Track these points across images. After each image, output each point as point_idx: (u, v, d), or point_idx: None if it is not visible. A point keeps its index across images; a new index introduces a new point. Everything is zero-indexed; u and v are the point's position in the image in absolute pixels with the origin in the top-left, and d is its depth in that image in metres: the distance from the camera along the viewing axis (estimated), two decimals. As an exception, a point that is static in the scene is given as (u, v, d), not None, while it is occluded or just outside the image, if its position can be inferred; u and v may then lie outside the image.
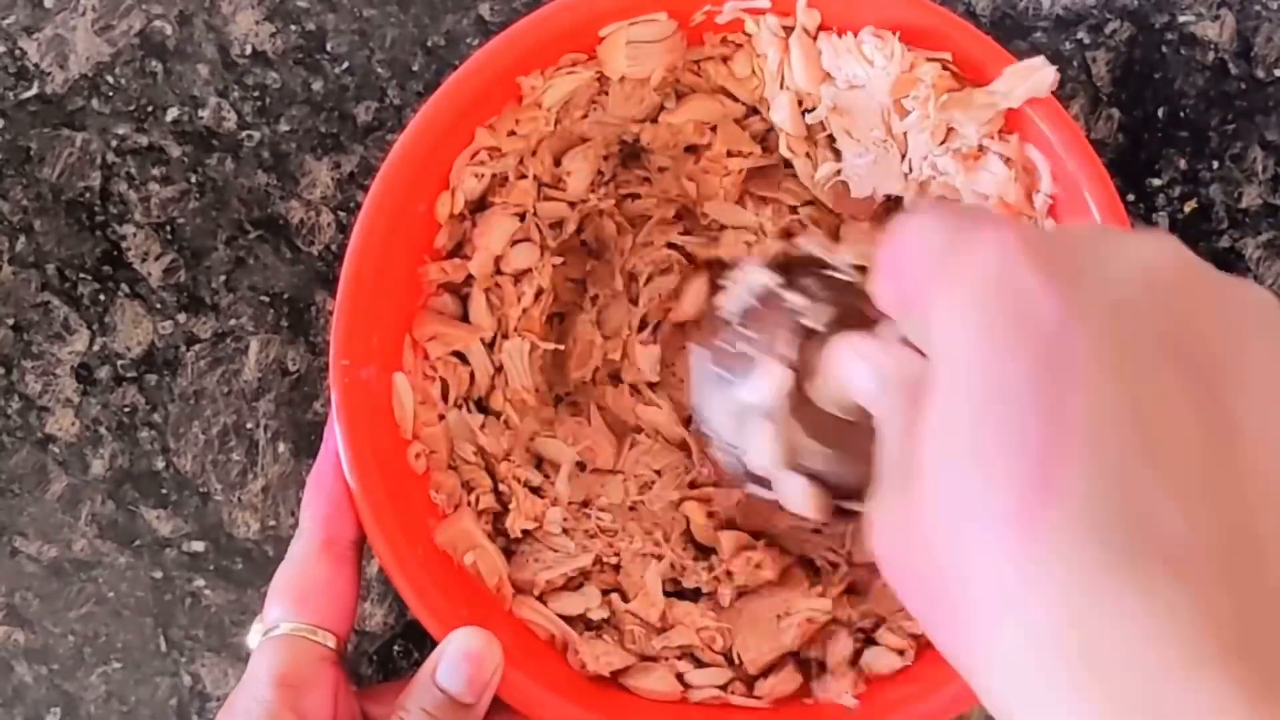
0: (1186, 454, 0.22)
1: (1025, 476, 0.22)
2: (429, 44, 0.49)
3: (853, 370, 0.31)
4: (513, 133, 0.42)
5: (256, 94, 0.49)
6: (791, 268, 0.38)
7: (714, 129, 0.45)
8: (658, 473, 0.46)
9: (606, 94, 0.44)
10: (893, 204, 0.45)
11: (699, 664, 0.43)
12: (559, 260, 0.45)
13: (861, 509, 0.31)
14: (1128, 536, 0.21)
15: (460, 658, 0.38)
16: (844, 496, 0.35)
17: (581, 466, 0.45)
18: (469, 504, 0.43)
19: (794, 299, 0.36)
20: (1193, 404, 0.22)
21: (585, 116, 0.44)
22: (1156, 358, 0.22)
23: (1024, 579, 0.22)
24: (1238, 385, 0.23)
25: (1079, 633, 0.21)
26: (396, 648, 0.47)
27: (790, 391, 0.35)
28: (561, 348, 0.46)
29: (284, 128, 0.48)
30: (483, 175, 0.42)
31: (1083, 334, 0.22)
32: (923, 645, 0.42)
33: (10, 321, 0.48)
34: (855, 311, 0.35)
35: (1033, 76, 0.39)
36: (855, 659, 0.43)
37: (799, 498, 0.35)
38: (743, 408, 0.36)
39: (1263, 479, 0.22)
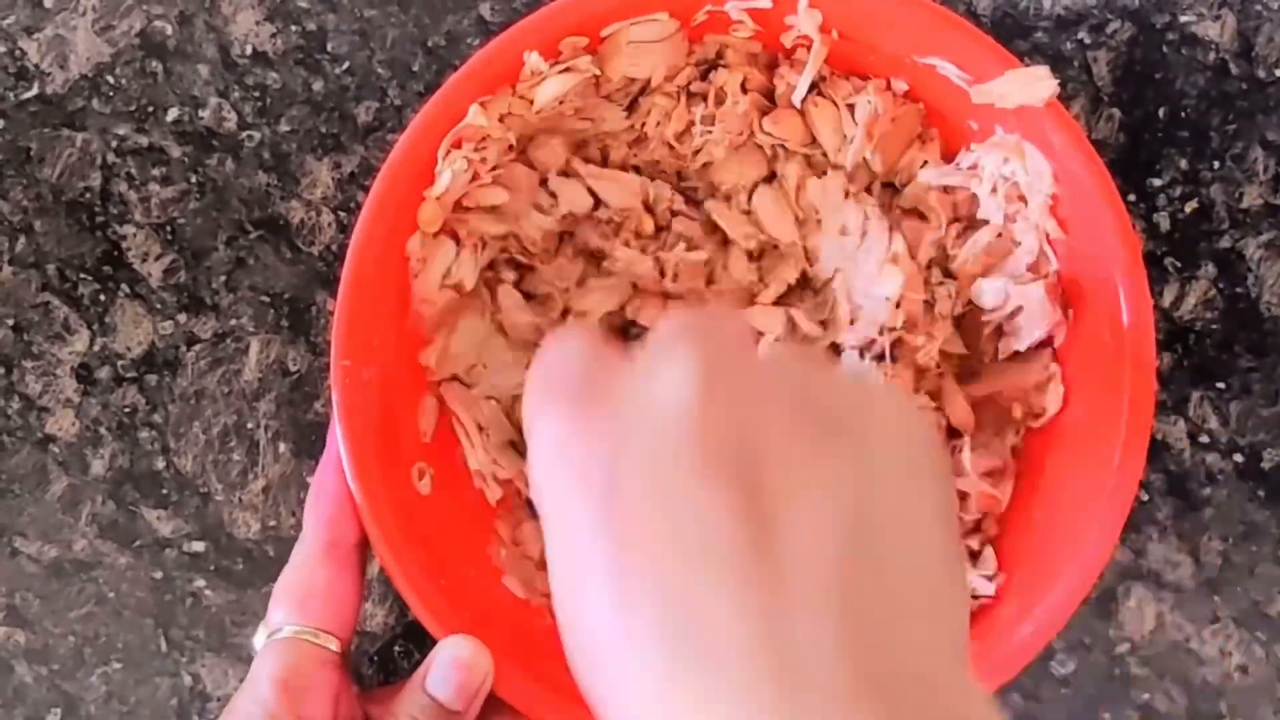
0: (727, 562, 0.25)
1: (608, 594, 0.26)
2: (429, 44, 0.49)
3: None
4: (504, 117, 0.42)
5: (257, 94, 0.49)
6: None
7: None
8: None
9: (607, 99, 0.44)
10: None
11: None
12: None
13: None
14: (687, 641, 0.25)
15: (450, 665, 0.38)
16: None
17: None
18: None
19: None
20: (730, 512, 0.26)
21: (576, 114, 0.44)
22: (691, 476, 0.26)
23: (624, 669, 0.26)
24: (774, 468, 0.26)
25: (666, 706, 0.25)
26: (397, 648, 0.47)
27: None
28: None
29: (284, 128, 0.48)
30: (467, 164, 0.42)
31: (628, 472, 0.27)
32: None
33: (10, 322, 0.48)
34: None
35: (1032, 85, 0.39)
36: None
37: None
38: None
39: (798, 568, 0.25)
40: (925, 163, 0.44)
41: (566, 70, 0.41)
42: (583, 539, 0.27)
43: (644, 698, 0.25)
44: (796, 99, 0.43)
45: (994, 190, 0.42)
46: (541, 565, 0.44)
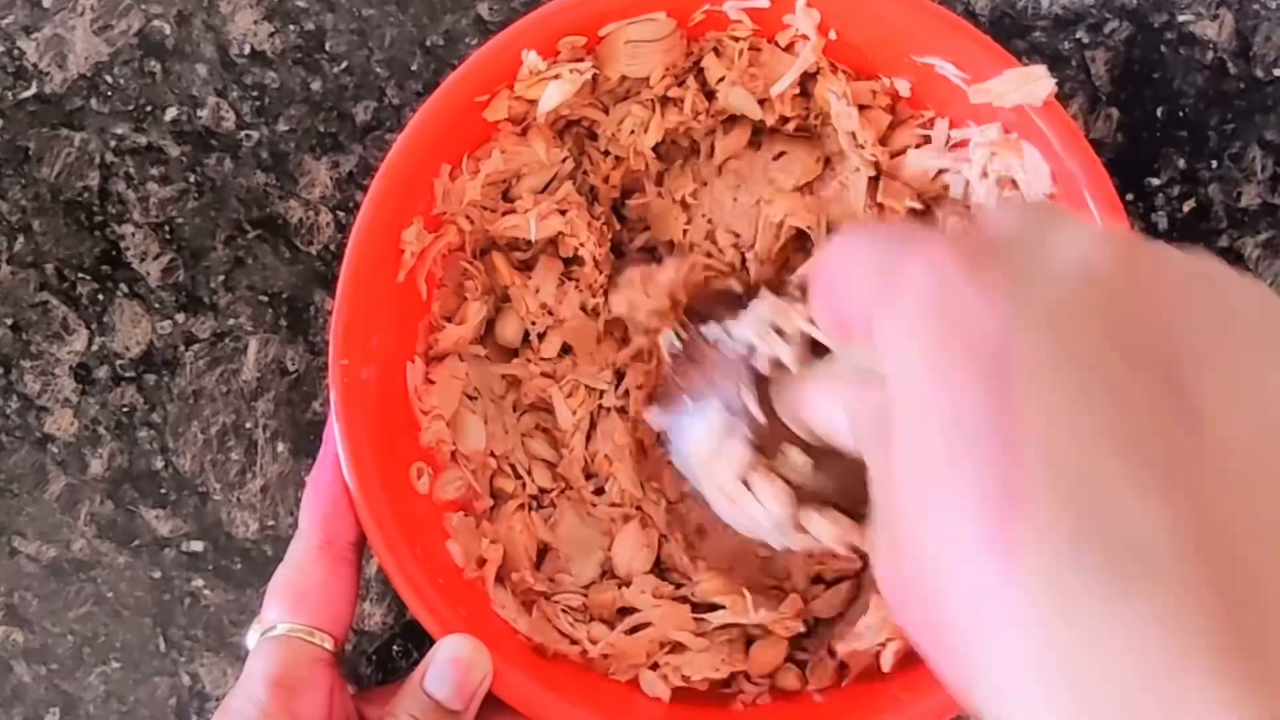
0: (1148, 448, 0.21)
1: (987, 498, 0.21)
2: (428, 44, 0.49)
3: (821, 414, 0.30)
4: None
5: (255, 94, 0.49)
6: (721, 304, 0.38)
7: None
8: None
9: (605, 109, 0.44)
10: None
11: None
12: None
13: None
14: (1096, 542, 0.20)
15: (448, 664, 0.38)
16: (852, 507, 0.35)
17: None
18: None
19: (737, 342, 0.37)
20: (1150, 398, 0.21)
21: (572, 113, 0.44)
22: (1106, 356, 0.22)
23: (1001, 604, 0.21)
24: (1195, 371, 0.22)
25: (1062, 652, 0.21)
26: (395, 647, 0.47)
27: (759, 433, 0.35)
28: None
29: (283, 127, 0.48)
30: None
31: (1027, 344, 0.22)
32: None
33: (9, 321, 0.48)
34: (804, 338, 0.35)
35: (1030, 84, 0.39)
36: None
37: (823, 531, 0.35)
38: (730, 473, 0.36)
39: (1230, 466, 0.21)
40: (915, 146, 0.44)
41: (573, 71, 0.41)
42: (961, 422, 0.22)
43: (1045, 606, 0.21)
44: (775, 91, 0.43)
45: (984, 175, 0.42)
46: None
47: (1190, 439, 0.21)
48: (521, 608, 0.42)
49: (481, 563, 0.42)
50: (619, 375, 0.46)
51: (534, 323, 0.45)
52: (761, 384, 0.36)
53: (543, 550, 0.45)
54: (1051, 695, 0.21)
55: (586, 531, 0.45)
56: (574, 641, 0.42)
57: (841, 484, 0.35)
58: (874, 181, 0.44)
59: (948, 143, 0.43)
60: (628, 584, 0.44)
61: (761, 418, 0.36)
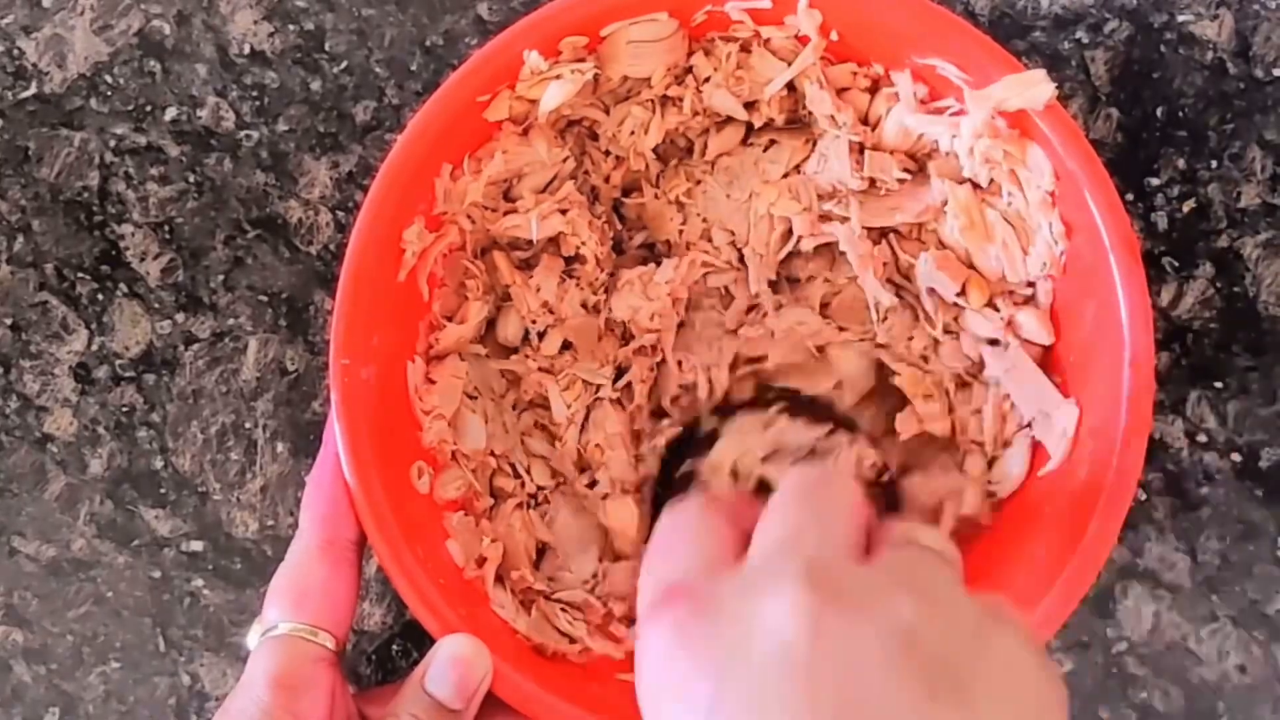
0: None
1: None
2: (427, 44, 0.49)
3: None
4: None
5: (255, 93, 0.49)
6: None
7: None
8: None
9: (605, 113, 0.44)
10: None
11: None
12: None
13: None
14: None
15: (449, 664, 0.38)
16: None
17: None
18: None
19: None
20: None
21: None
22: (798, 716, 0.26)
23: None
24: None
25: None
26: (395, 647, 0.47)
27: None
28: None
29: (282, 127, 0.48)
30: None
31: (727, 709, 0.27)
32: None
33: (9, 321, 0.48)
34: None
35: (1030, 90, 0.39)
36: None
37: None
38: None
39: None
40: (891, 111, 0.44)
41: (574, 71, 0.41)
42: None
43: None
44: (767, 93, 0.44)
45: (971, 152, 0.42)
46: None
47: None
48: (520, 607, 0.42)
49: (481, 562, 0.42)
50: (619, 370, 0.46)
51: (534, 321, 0.45)
52: None
53: (540, 549, 0.45)
54: None
55: (581, 524, 0.45)
56: (573, 640, 0.42)
57: None
58: (860, 155, 0.44)
59: (917, 97, 0.43)
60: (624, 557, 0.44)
61: None
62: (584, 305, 0.45)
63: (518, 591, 0.43)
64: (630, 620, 0.44)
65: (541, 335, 0.45)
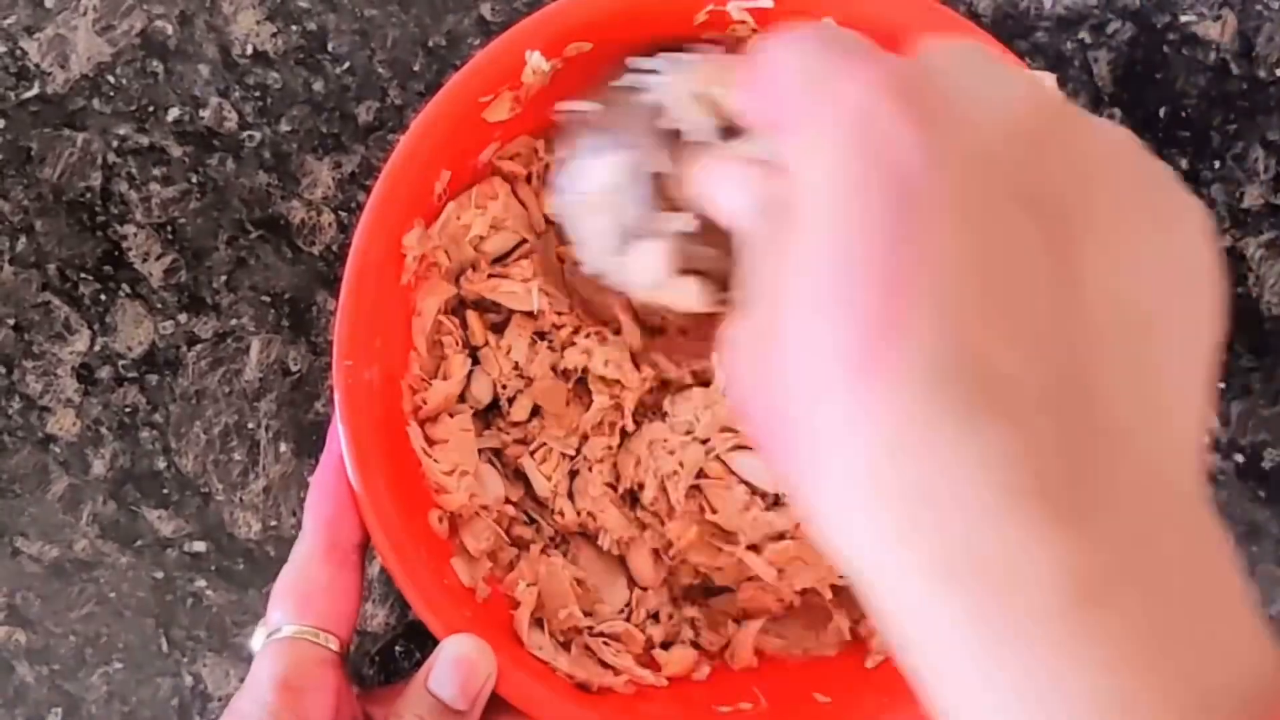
0: (1029, 301, 0.22)
1: (868, 318, 0.22)
2: (430, 44, 0.49)
3: (721, 187, 0.31)
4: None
5: (257, 94, 0.49)
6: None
7: None
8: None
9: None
10: None
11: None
12: None
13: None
14: (960, 378, 0.21)
15: (453, 665, 0.38)
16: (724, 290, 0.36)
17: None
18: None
19: (654, 94, 0.36)
20: (1040, 253, 0.23)
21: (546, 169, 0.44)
22: (1009, 206, 0.23)
23: (852, 420, 0.22)
24: (1084, 235, 0.23)
25: (898, 473, 0.22)
26: (398, 648, 0.47)
27: (652, 191, 0.35)
28: None
29: (285, 128, 0.48)
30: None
31: (940, 180, 0.23)
32: None
33: (11, 322, 0.48)
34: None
35: None
36: None
37: (689, 294, 0.35)
38: (622, 226, 0.36)
39: (1097, 329, 0.22)
40: None
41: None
42: (859, 239, 0.23)
43: (893, 428, 0.22)
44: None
45: None
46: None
47: (1070, 301, 0.22)
48: (560, 647, 0.42)
49: (515, 605, 0.42)
50: (583, 438, 0.45)
51: (504, 386, 0.45)
52: (672, 140, 0.36)
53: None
54: (879, 517, 0.22)
55: (605, 559, 0.45)
56: (618, 672, 0.42)
57: (717, 258, 0.35)
58: None
59: None
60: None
61: (669, 167, 0.35)
62: (553, 368, 0.45)
63: (559, 632, 0.43)
64: (667, 644, 0.44)
65: (511, 400, 0.45)
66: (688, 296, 0.35)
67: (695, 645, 0.44)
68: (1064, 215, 0.23)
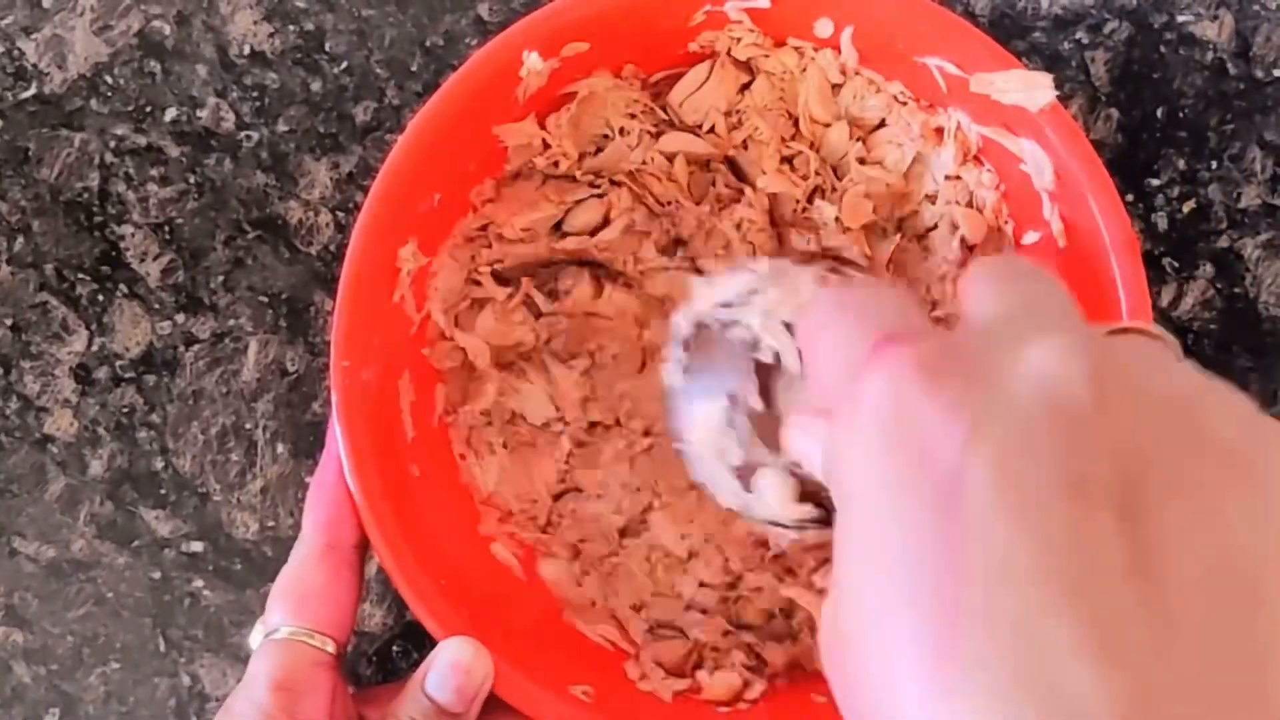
0: (1096, 600, 0.20)
1: (926, 633, 0.20)
2: (427, 44, 0.49)
3: (797, 442, 0.30)
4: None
5: (255, 94, 0.49)
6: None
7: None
8: None
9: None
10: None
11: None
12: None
13: None
14: (1032, 702, 0.19)
15: (449, 668, 0.38)
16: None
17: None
18: None
19: (742, 327, 0.36)
20: (1103, 540, 0.20)
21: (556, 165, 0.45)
22: (1061, 491, 0.20)
23: None
24: (1156, 503, 0.21)
25: None
26: (396, 648, 0.47)
27: (751, 430, 0.36)
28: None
29: (282, 128, 0.48)
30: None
31: (980, 471, 0.21)
32: None
33: (9, 322, 0.48)
34: None
35: (1031, 90, 0.39)
36: None
37: (811, 515, 0.35)
38: (731, 467, 0.36)
39: (1181, 616, 0.20)
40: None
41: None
42: (899, 544, 0.21)
43: None
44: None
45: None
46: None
47: (1143, 585, 0.20)
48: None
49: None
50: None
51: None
52: (764, 371, 0.36)
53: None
54: None
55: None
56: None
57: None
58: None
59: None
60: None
61: (760, 407, 0.35)
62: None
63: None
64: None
65: None
66: (810, 519, 0.35)
67: (748, 668, 0.44)
68: (1130, 484, 0.21)
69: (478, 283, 0.45)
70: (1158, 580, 0.20)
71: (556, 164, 0.44)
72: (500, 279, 0.45)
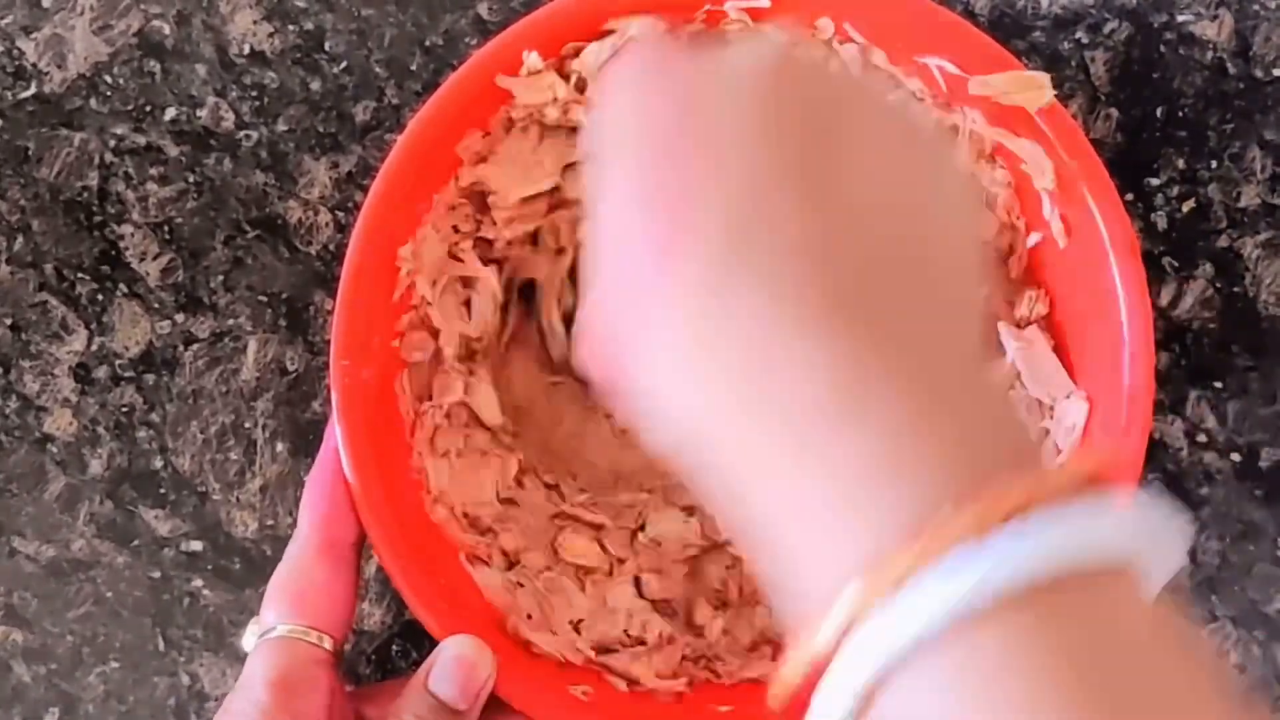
0: (802, 172, 0.26)
1: (661, 207, 0.26)
2: (427, 44, 0.49)
3: None
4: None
5: (254, 94, 0.49)
6: None
7: None
8: None
9: None
10: None
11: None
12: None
13: None
14: (751, 239, 0.25)
15: (453, 664, 0.38)
16: None
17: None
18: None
19: None
20: (805, 139, 0.26)
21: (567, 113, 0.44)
22: (769, 109, 0.26)
23: (661, 301, 0.25)
24: (837, 132, 0.27)
25: (701, 332, 0.25)
26: (395, 647, 0.47)
27: None
28: None
29: (282, 127, 0.48)
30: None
31: (714, 85, 0.27)
32: None
33: (8, 321, 0.48)
34: None
35: (1030, 90, 0.40)
36: None
37: None
38: None
39: (859, 197, 0.26)
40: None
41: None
42: (649, 141, 0.27)
43: (702, 292, 0.25)
44: None
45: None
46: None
47: (831, 177, 0.26)
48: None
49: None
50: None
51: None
52: None
53: None
54: (687, 371, 0.25)
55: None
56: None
57: None
58: None
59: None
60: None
61: None
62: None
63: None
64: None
65: None
66: None
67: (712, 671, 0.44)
68: (817, 116, 0.27)
69: (459, 259, 0.44)
70: (842, 171, 0.26)
71: (567, 110, 0.43)
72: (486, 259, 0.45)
